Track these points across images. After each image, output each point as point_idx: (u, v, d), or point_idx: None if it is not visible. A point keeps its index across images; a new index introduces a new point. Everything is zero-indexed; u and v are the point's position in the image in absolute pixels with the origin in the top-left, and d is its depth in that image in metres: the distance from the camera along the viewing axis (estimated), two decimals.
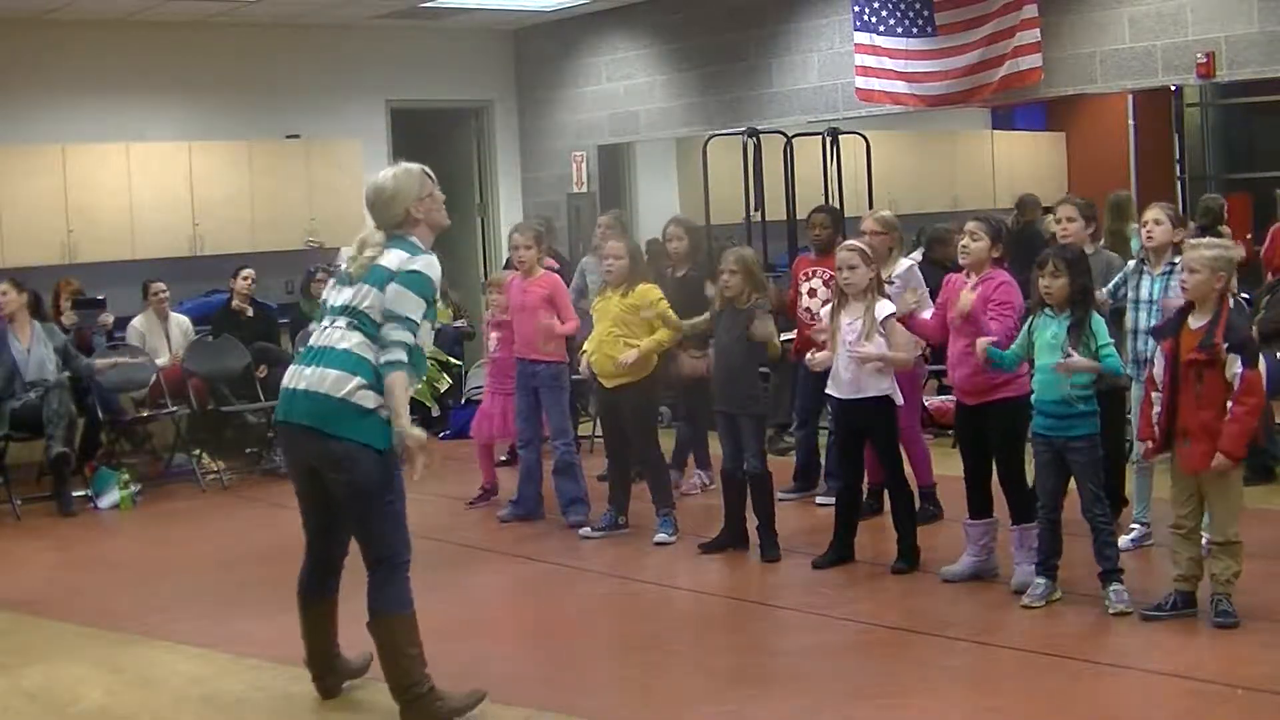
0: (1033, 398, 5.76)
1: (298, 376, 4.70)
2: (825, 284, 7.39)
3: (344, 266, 4.79)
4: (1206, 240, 5.71)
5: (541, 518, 7.85)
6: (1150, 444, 5.62)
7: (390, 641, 4.71)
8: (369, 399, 4.59)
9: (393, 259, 4.67)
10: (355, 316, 4.65)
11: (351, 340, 4.63)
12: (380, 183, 4.83)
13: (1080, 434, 5.66)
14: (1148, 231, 6.36)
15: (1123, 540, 6.43)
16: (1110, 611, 5.55)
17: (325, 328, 4.72)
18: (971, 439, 6.20)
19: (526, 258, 7.73)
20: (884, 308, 6.39)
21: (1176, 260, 5.95)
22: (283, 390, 4.77)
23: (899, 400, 6.46)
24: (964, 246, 6.10)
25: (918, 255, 9.24)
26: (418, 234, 4.79)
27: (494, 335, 8.25)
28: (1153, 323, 6.13)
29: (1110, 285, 6.47)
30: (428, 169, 4.89)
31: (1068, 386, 5.61)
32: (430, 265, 4.70)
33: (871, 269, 6.43)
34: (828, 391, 6.58)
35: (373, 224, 4.82)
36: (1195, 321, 5.40)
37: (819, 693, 4.99)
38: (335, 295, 4.77)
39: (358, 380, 4.59)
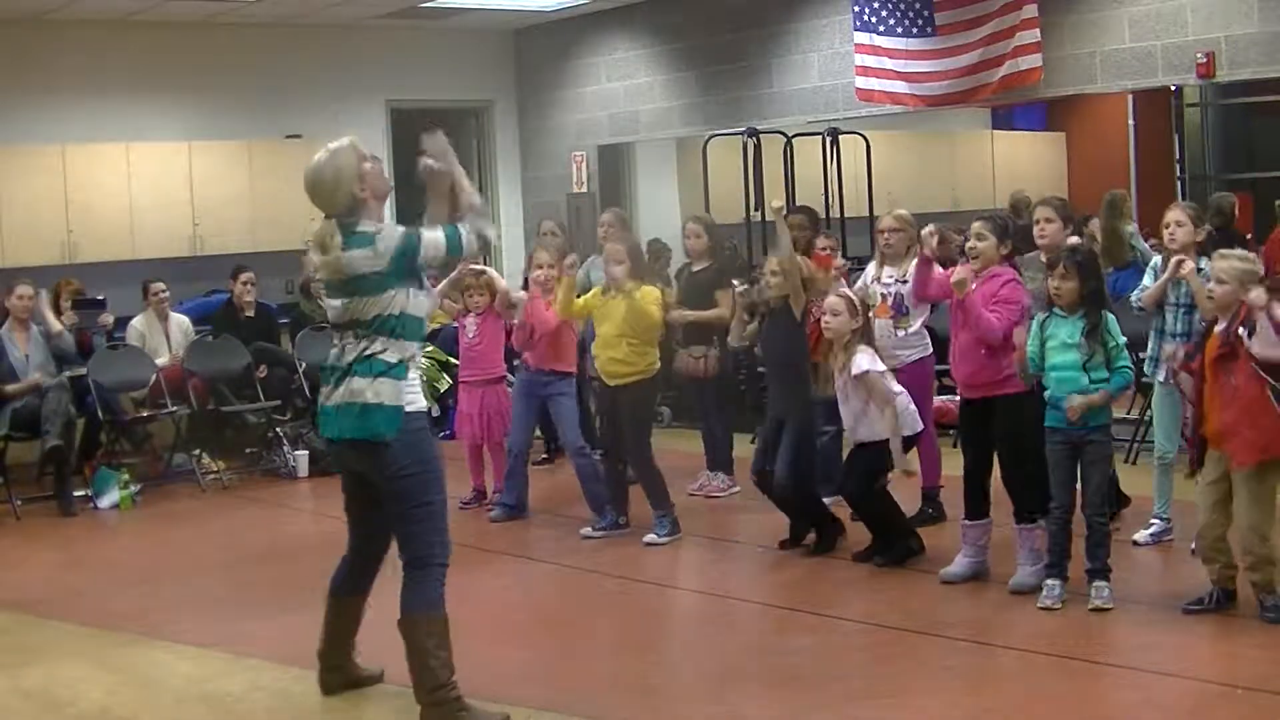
0: (1047, 394, 5.73)
1: (330, 395, 4.74)
2: None
3: (316, 275, 4.72)
4: (1238, 252, 5.67)
5: (525, 515, 7.87)
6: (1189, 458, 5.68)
7: (419, 641, 4.69)
8: (385, 391, 4.61)
9: (360, 261, 4.59)
10: (357, 328, 4.67)
11: (360, 350, 4.65)
12: (319, 173, 4.67)
13: (1098, 424, 5.67)
14: (1170, 234, 6.33)
15: (1142, 534, 6.45)
16: (1090, 607, 5.54)
17: (335, 344, 4.75)
18: (974, 437, 6.18)
19: (551, 278, 7.57)
20: (860, 361, 6.36)
21: (1203, 265, 5.97)
22: (320, 409, 4.82)
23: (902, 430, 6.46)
24: (971, 248, 6.09)
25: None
26: (367, 212, 4.68)
27: (472, 320, 8.14)
28: (1180, 325, 6.26)
29: (1139, 290, 6.47)
30: (354, 139, 4.75)
31: (1086, 382, 5.60)
32: (388, 237, 4.62)
33: (856, 320, 6.42)
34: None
35: (321, 213, 4.69)
36: (1218, 328, 5.45)
37: (819, 693, 4.99)
38: (330, 309, 4.76)
39: (374, 381, 4.61)
